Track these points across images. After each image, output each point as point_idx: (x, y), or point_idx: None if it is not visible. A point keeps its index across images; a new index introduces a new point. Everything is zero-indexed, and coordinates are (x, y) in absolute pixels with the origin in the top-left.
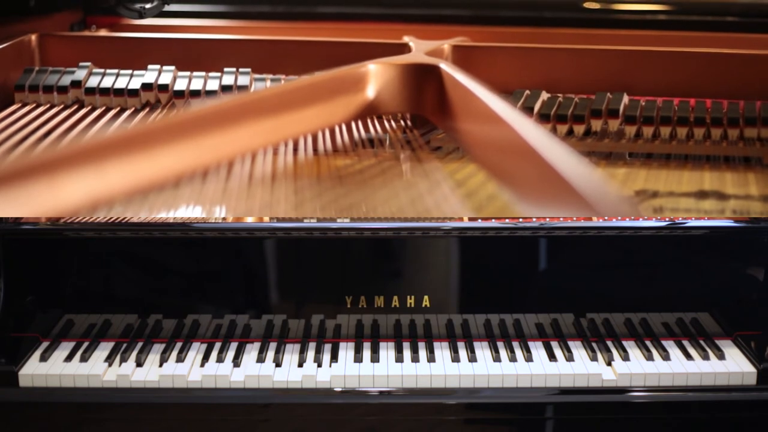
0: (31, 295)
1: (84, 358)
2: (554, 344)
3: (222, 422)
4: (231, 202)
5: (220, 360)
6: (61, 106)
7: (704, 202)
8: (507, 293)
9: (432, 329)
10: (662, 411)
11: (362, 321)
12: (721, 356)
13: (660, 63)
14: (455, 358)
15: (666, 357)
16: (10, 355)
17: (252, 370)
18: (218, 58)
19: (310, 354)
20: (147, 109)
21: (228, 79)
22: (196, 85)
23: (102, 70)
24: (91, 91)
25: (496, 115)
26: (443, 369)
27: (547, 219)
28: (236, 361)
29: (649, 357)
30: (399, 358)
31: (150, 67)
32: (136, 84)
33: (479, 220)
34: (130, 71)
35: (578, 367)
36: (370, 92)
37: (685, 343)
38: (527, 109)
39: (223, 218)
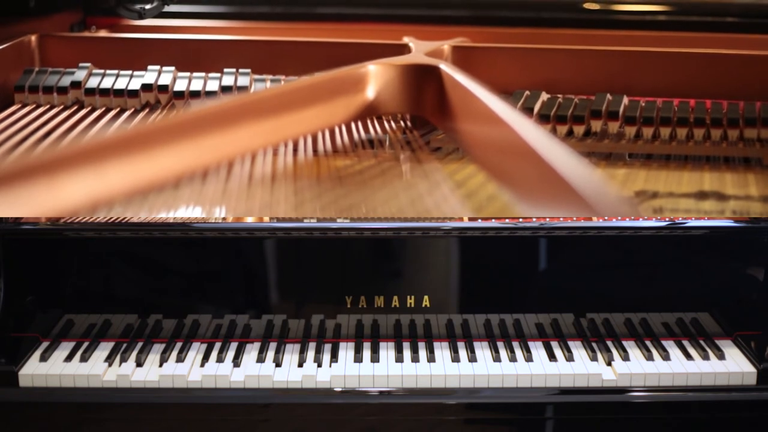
0: (31, 295)
1: (84, 358)
2: (554, 344)
3: (222, 422)
4: (231, 202)
5: (220, 360)
6: (61, 107)
7: (704, 203)
8: (507, 293)
9: (432, 329)
10: (662, 411)
11: (362, 321)
12: (721, 356)
13: (660, 64)
14: (455, 358)
15: (666, 357)
16: (10, 355)
17: (252, 370)
18: (218, 59)
19: (310, 354)
20: (147, 110)
21: (228, 80)
22: (196, 85)
23: (102, 71)
24: (90, 91)
25: (495, 116)
26: (443, 369)
27: (547, 219)
28: (236, 361)
29: (649, 357)
30: (399, 358)
31: (150, 67)
32: (135, 85)
33: (479, 220)
34: (129, 72)
35: (578, 367)
36: (370, 93)
37: (685, 343)
38: (527, 110)
39: (223, 218)
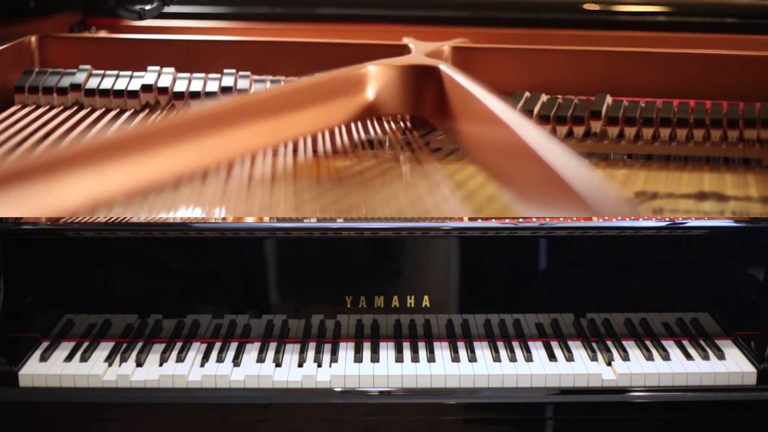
0: (31, 295)
1: (84, 358)
2: (554, 344)
3: (222, 422)
4: (230, 203)
5: (220, 360)
6: (61, 108)
7: (704, 204)
8: (507, 293)
9: (432, 329)
10: (662, 411)
11: (362, 321)
12: (721, 356)
13: (660, 64)
14: (455, 358)
15: (666, 357)
16: (10, 355)
17: (252, 370)
18: (218, 60)
19: (310, 354)
20: (146, 111)
21: (227, 81)
22: (196, 86)
23: (102, 72)
24: (90, 92)
25: (495, 117)
26: (443, 369)
27: (547, 219)
28: (236, 361)
29: (649, 357)
30: (399, 358)
31: (150, 68)
32: (135, 85)
33: (479, 220)
34: (129, 72)
35: (578, 367)
36: (370, 93)
37: (685, 343)
38: (527, 111)
39: (223, 218)
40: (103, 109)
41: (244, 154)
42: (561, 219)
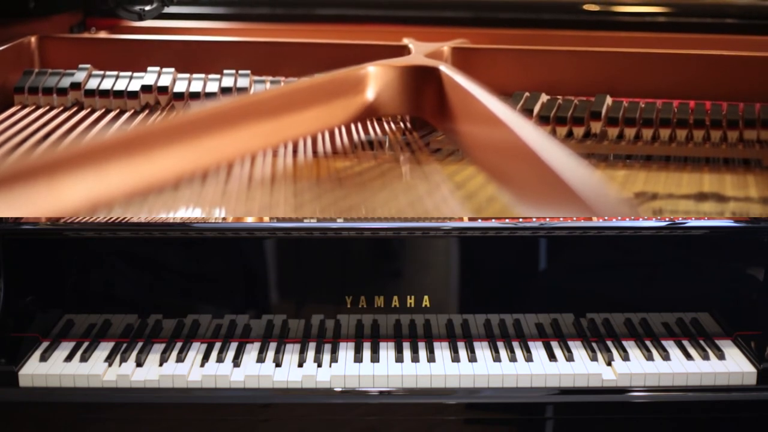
0: (31, 295)
1: (84, 358)
2: (554, 344)
3: (222, 422)
4: (230, 204)
5: (220, 360)
6: (61, 108)
7: (704, 204)
8: (507, 293)
9: (432, 329)
10: (662, 411)
11: (362, 321)
12: (721, 356)
13: (659, 65)
14: (455, 358)
15: (666, 357)
16: (10, 355)
17: (252, 370)
18: (218, 60)
19: (310, 354)
20: (146, 111)
21: (227, 81)
22: (196, 87)
23: (101, 72)
24: (90, 93)
25: (495, 117)
26: (443, 369)
27: (547, 219)
28: (236, 361)
29: (649, 357)
30: (399, 358)
31: (149, 69)
32: (135, 86)
33: (479, 220)
34: (129, 73)
35: (578, 367)
36: (370, 94)
37: (685, 343)
38: (527, 111)
39: (223, 218)
40: (103, 110)
41: (244, 155)
42: (561, 219)
